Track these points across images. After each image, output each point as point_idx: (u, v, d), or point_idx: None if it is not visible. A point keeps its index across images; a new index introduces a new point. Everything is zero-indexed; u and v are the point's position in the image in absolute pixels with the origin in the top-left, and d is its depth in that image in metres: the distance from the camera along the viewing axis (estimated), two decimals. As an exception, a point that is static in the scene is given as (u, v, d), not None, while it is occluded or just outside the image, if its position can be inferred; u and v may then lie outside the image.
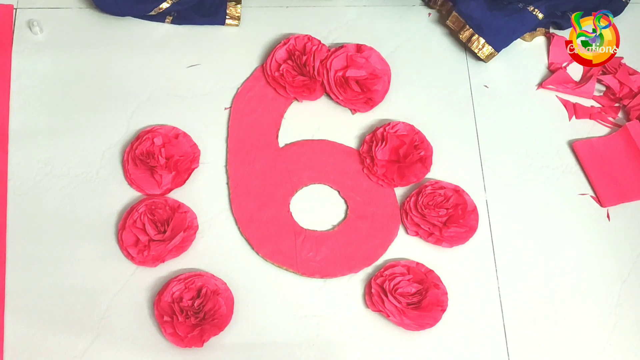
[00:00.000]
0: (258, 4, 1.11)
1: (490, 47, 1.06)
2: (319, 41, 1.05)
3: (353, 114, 1.03)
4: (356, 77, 1.02)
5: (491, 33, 1.06)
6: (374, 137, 0.99)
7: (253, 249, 0.94)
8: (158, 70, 1.04)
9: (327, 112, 1.03)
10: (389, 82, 1.04)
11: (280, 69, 1.02)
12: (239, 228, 0.95)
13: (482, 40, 1.06)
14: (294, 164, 0.99)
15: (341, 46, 1.04)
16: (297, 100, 1.03)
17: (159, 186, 0.95)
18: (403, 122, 1.00)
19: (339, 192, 0.98)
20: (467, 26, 1.07)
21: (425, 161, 0.99)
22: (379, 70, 1.04)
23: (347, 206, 0.97)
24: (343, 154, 1.00)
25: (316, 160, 0.99)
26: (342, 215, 0.97)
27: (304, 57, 1.02)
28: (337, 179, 0.99)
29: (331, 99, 1.03)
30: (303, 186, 0.98)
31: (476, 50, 1.07)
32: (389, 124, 1.00)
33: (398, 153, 0.98)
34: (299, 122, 1.02)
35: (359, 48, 1.04)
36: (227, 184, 0.97)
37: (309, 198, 0.98)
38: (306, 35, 1.05)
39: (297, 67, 1.02)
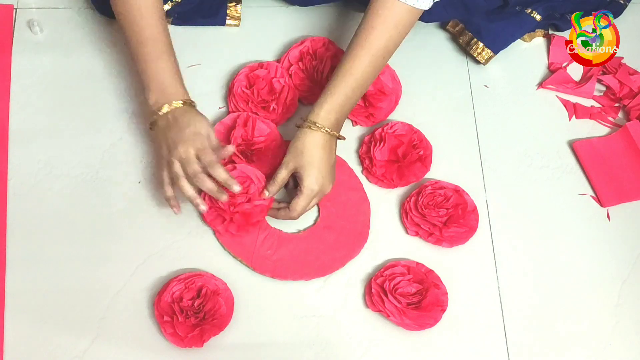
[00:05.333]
0: (258, 4, 1.11)
1: (489, 51, 1.06)
2: (336, 46, 1.04)
3: (353, 125, 1.03)
4: None
5: (490, 37, 1.06)
6: (373, 137, 0.99)
7: (214, 234, 0.93)
8: (158, 70, 1.04)
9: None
10: (396, 102, 1.03)
11: (290, 70, 1.02)
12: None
13: (481, 44, 1.06)
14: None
15: None
16: (301, 101, 1.03)
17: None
18: (401, 122, 1.00)
19: None
20: (466, 31, 1.07)
21: (424, 160, 0.99)
22: (389, 88, 1.02)
23: (319, 214, 0.96)
24: None
25: None
26: (311, 222, 0.96)
27: (314, 62, 1.02)
28: None
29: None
30: None
31: (475, 54, 1.07)
32: (387, 124, 0.99)
33: (397, 153, 0.97)
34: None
35: None
36: None
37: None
38: (323, 38, 1.04)
39: (306, 70, 1.02)
